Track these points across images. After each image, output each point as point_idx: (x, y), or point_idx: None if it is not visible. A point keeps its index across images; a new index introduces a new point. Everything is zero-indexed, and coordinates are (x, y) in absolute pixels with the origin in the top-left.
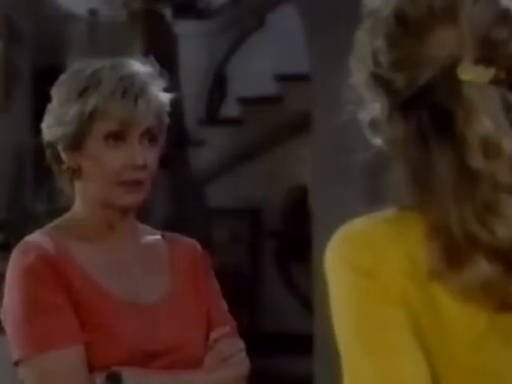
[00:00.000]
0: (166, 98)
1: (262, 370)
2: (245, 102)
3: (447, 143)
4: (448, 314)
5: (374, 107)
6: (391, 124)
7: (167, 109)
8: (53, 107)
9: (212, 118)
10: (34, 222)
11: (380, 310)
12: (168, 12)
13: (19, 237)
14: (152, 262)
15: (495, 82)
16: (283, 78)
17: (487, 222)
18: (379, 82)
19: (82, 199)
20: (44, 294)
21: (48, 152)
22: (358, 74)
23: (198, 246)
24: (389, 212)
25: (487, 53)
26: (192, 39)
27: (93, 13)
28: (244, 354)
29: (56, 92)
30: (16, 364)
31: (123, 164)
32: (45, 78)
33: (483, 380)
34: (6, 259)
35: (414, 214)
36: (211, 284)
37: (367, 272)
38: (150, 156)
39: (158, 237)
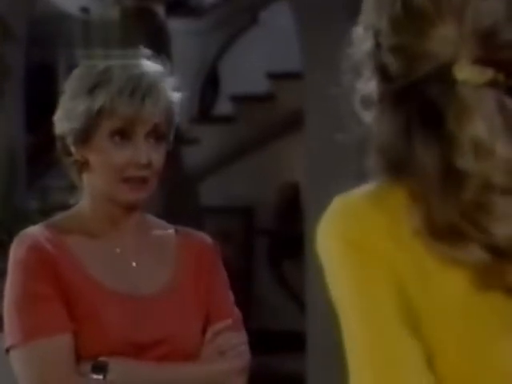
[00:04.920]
0: (175, 97)
1: (254, 367)
2: (237, 99)
3: (434, 140)
4: (434, 276)
5: (368, 84)
6: (380, 109)
7: (177, 108)
8: (63, 101)
9: (204, 115)
10: (26, 220)
11: (372, 286)
12: (160, 10)
13: (12, 235)
14: (157, 256)
15: (492, 84)
16: (275, 76)
17: (478, 220)
18: (376, 63)
19: (88, 192)
20: (33, 284)
21: (58, 144)
22: (361, 45)
23: (208, 240)
24: (375, 183)
25: (487, 53)
26: (184, 37)
27: (85, 11)
28: (244, 347)
29: (68, 86)
30: (7, 351)
31: (127, 161)
32: (37, 76)
33: (471, 345)
34: (0, 257)
35: (398, 183)
36: (217, 278)
37: (357, 245)
38: (155, 154)
39: (170, 231)
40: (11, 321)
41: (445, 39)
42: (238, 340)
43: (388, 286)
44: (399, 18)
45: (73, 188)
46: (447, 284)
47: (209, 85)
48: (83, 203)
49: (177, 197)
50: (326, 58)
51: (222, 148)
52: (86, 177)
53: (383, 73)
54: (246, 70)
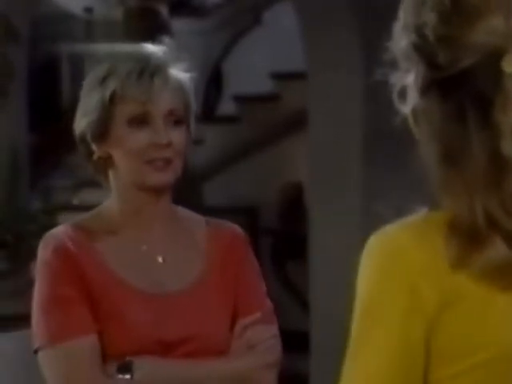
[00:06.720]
0: (185, 77)
1: None
2: (241, 99)
3: (484, 129)
4: (476, 300)
5: (407, 76)
6: (427, 98)
7: (189, 88)
8: (80, 105)
9: (208, 115)
10: (30, 220)
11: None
12: (164, 10)
13: (16, 235)
14: (185, 248)
15: None
16: (279, 76)
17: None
18: (422, 53)
19: (115, 188)
20: (58, 286)
21: (80, 147)
22: (400, 40)
23: (238, 232)
24: (416, 215)
25: None
26: (188, 37)
27: (88, 11)
28: (274, 341)
29: (82, 91)
30: (35, 352)
31: (147, 144)
32: (40, 76)
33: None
34: (4, 257)
35: (439, 213)
36: (247, 269)
37: (394, 277)
38: (175, 135)
39: (201, 223)
40: (38, 322)
41: (492, 31)
42: (268, 333)
43: (415, 330)
44: (448, 11)
45: (76, 188)
46: (491, 305)
47: (212, 85)
48: (110, 201)
49: (180, 196)
50: (329, 58)
51: (226, 148)
52: (111, 173)
53: (430, 62)
54: (250, 70)
